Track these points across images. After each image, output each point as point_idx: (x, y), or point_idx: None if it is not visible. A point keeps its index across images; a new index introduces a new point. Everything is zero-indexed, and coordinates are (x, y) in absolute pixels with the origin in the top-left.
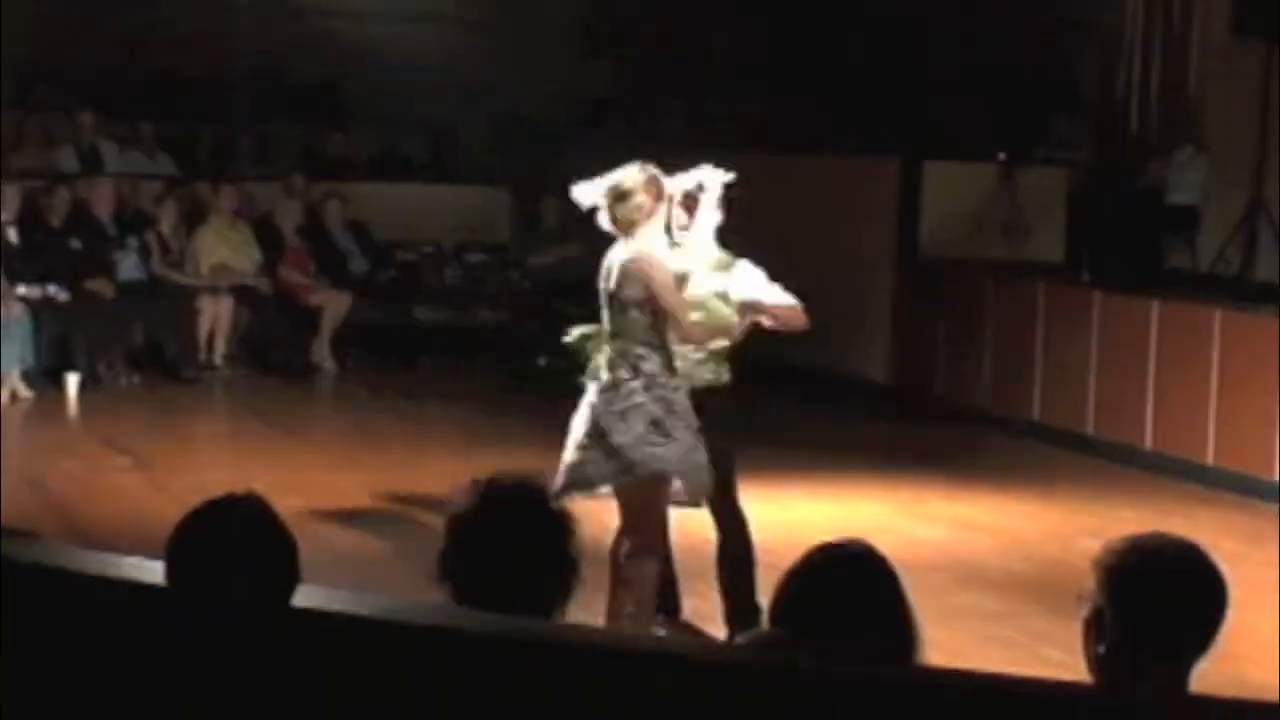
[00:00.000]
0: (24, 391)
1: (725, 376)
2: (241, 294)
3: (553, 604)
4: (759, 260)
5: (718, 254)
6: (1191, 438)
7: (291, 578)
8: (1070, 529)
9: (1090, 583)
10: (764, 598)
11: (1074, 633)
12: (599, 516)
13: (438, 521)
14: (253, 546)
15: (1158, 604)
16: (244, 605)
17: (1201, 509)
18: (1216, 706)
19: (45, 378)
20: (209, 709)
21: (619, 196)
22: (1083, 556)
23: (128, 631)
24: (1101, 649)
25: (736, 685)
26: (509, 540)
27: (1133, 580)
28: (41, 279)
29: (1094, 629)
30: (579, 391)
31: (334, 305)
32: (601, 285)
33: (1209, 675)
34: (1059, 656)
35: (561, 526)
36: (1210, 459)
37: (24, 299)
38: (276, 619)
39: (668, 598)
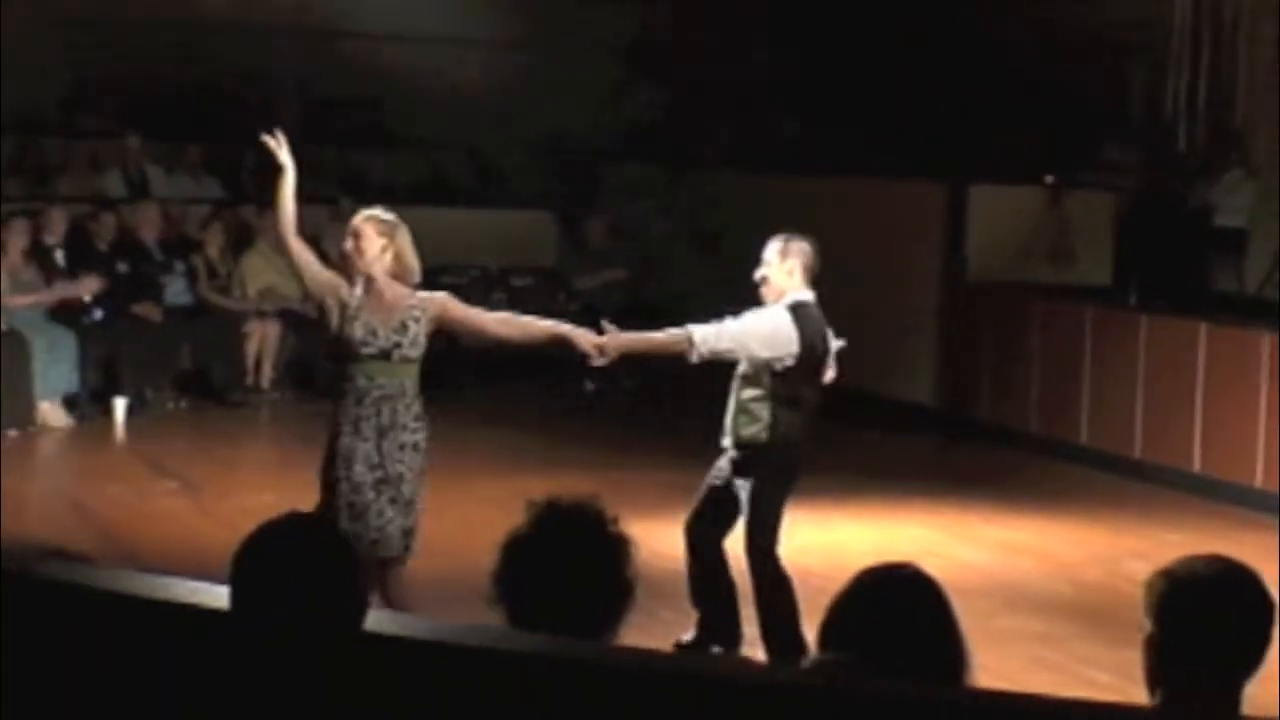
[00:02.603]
0: (63, 419)
1: (764, 435)
2: (288, 318)
3: (607, 627)
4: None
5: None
6: (1239, 461)
7: (362, 601)
8: (1117, 552)
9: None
10: (811, 620)
11: (1120, 656)
12: (649, 542)
13: (486, 545)
14: (324, 567)
15: (1205, 625)
16: (315, 629)
17: (1249, 532)
18: None
19: (92, 402)
20: None
21: None
22: (1129, 580)
23: (185, 656)
24: (1155, 671)
25: (791, 709)
26: (566, 562)
27: (1180, 603)
28: (88, 305)
29: (1148, 651)
30: (630, 415)
31: None
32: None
33: (1254, 697)
34: (1105, 680)
35: (619, 550)
36: (1258, 482)
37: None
38: (348, 644)
39: (730, 630)
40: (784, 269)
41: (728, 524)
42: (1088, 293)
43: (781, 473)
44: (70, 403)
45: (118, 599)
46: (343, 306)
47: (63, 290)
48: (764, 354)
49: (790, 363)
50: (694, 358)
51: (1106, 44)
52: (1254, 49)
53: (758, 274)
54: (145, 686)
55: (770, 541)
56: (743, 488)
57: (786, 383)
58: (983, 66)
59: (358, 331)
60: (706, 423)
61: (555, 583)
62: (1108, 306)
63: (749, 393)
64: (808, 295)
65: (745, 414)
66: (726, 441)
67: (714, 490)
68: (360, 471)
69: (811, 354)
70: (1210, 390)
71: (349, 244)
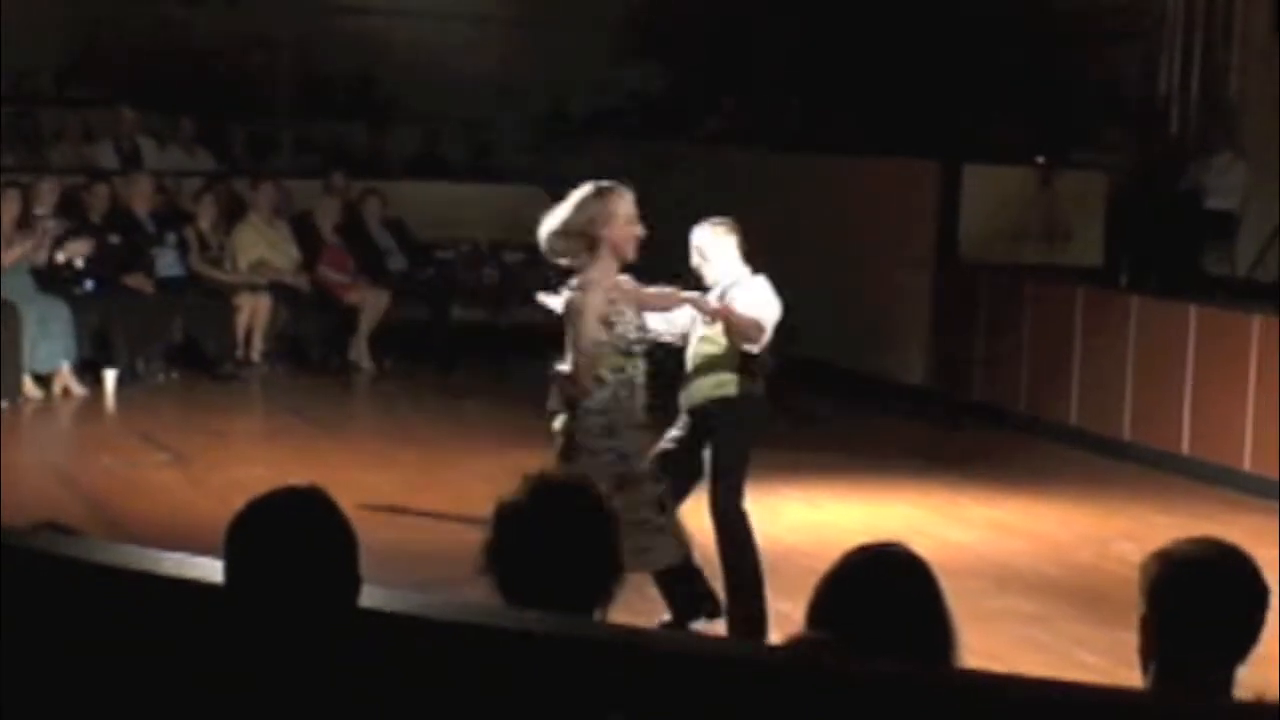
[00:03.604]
0: (76, 388)
1: (732, 389)
2: (280, 291)
3: (596, 602)
4: (792, 259)
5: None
6: (1228, 443)
7: (356, 575)
8: (1106, 533)
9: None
10: (801, 598)
11: (1109, 637)
12: None
13: (475, 520)
14: (320, 541)
15: (1199, 608)
16: (309, 604)
17: (1237, 515)
18: (1260, 711)
19: (84, 373)
20: (261, 710)
21: None
22: (1118, 561)
23: (176, 630)
24: (1148, 651)
25: (777, 686)
26: (558, 535)
27: (1174, 585)
28: (79, 275)
29: (1143, 632)
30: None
31: (372, 304)
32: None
33: (1251, 681)
34: (1094, 660)
35: (610, 524)
36: (1247, 465)
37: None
38: (343, 620)
39: (706, 602)
40: (722, 248)
41: (682, 493)
42: (1079, 273)
43: (743, 430)
44: (75, 373)
45: (108, 572)
46: (614, 313)
47: (51, 237)
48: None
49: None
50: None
51: (1100, 24)
52: (1247, 31)
53: (695, 259)
54: (136, 660)
55: (735, 503)
56: (704, 447)
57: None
58: (977, 46)
59: (632, 332)
60: None
61: (545, 554)
62: (1098, 287)
63: (710, 352)
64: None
65: (706, 374)
66: (684, 403)
67: (666, 458)
68: (641, 468)
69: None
70: (1200, 372)
71: (638, 231)
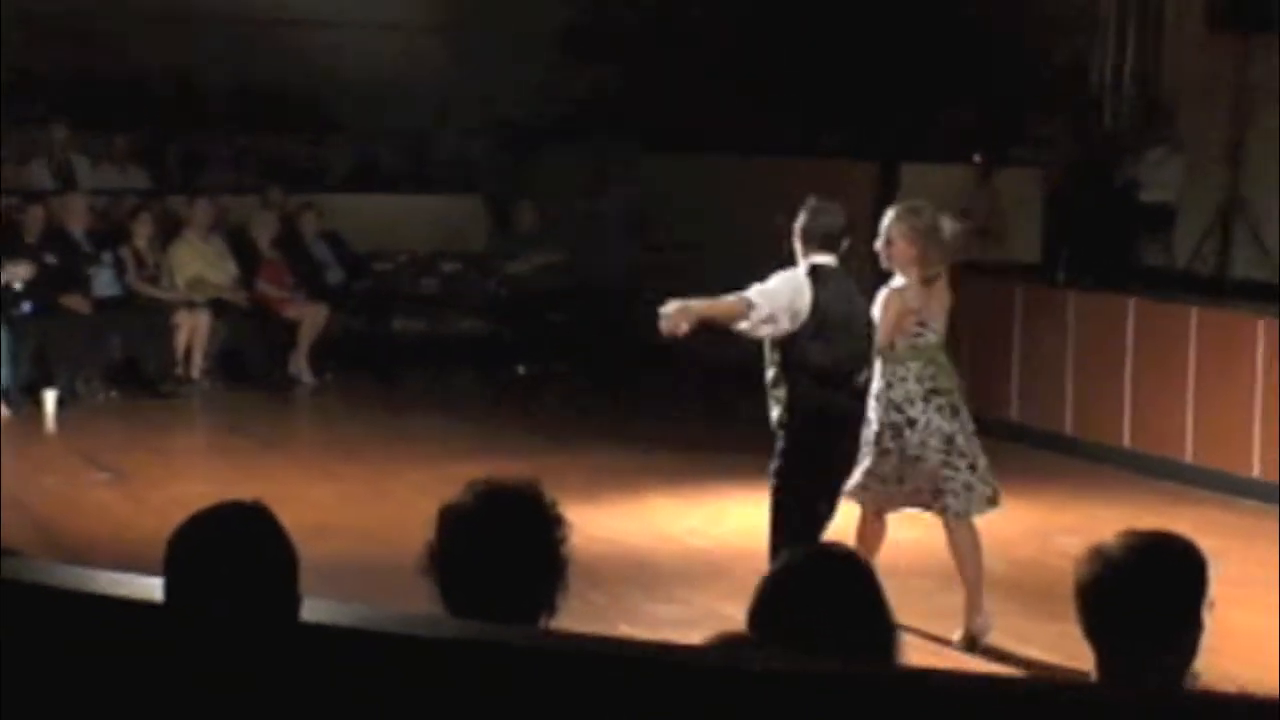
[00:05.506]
0: (3, 411)
1: (785, 416)
2: (218, 308)
3: (540, 606)
4: (735, 262)
5: None
6: (1169, 436)
7: (296, 592)
8: (1049, 528)
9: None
10: (740, 602)
11: (1053, 631)
12: (582, 527)
13: (419, 530)
14: (260, 556)
15: (1125, 609)
16: (251, 620)
17: (1180, 506)
18: (1204, 701)
19: (23, 394)
20: None
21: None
22: (1062, 556)
23: (119, 650)
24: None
25: (717, 688)
26: (503, 541)
27: (1100, 593)
28: (17, 297)
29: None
30: (562, 399)
31: (311, 317)
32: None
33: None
34: (1038, 655)
35: (555, 531)
36: (1189, 457)
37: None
38: (284, 635)
39: None
40: (793, 238)
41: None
42: (1017, 270)
43: (802, 457)
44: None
45: (49, 593)
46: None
47: None
48: (785, 321)
49: (791, 327)
50: (746, 325)
51: (1033, 17)
52: (1181, 23)
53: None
54: (76, 680)
55: (783, 542)
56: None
57: (798, 350)
58: (912, 45)
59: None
60: (638, 407)
61: (490, 560)
62: (1037, 283)
63: (769, 373)
64: (821, 259)
65: (771, 397)
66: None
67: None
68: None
69: (825, 319)
70: (1139, 366)
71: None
